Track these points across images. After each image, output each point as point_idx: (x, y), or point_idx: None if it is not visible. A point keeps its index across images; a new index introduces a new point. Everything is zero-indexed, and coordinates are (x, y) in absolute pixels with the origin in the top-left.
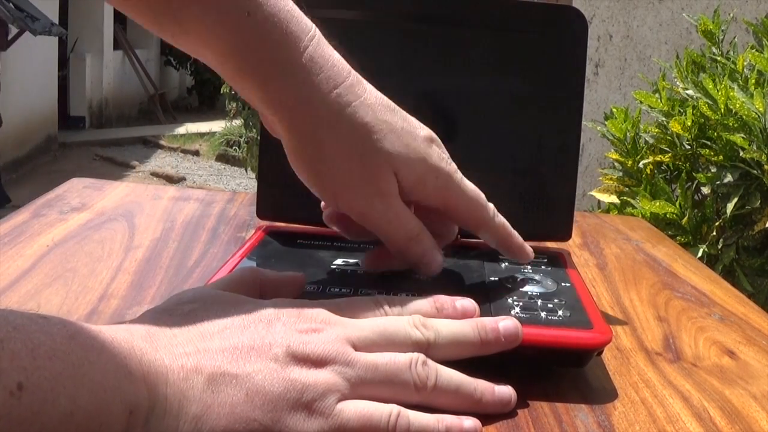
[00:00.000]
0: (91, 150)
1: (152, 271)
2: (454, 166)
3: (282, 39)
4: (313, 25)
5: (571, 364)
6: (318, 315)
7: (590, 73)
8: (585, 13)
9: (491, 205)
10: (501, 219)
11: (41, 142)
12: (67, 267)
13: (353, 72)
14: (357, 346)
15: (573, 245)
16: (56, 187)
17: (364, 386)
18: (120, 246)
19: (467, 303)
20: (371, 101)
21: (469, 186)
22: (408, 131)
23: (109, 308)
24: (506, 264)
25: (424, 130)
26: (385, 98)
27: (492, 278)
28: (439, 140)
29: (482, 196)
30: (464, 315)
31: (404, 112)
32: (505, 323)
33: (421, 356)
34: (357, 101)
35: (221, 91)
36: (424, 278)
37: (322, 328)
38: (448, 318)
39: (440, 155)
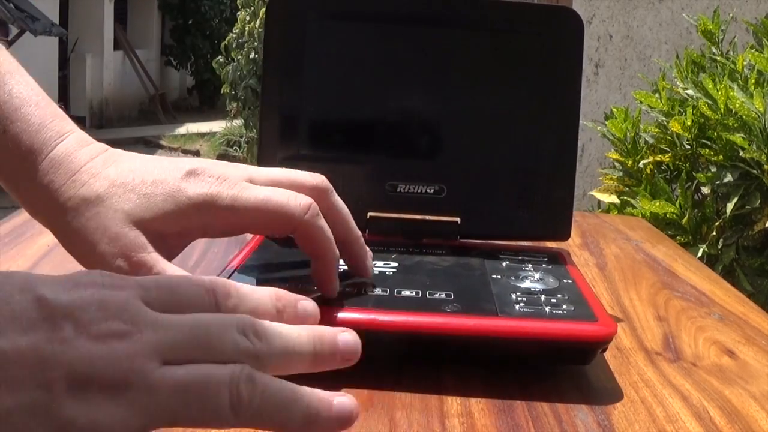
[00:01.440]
0: None
1: None
2: (219, 187)
3: (28, 148)
4: (70, 130)
5: (575, 361)
6: (126, 309)
7: (590, 73)
8: (585, 13)
9: (304, 199)
10: (322, 221)
11: None
12: (67, 267)
13: (102, 156)
14: (166, 358)
15: (573, 245)
16: None
17: (168, 414)
18: None
19: (309, 306)
20: (113, 172)
21: (253, 191)
22: (152, 180)
23: None
24: (507, 262)
25: (179, 171)
26: (139, 163)
27: (494, 276)
28: (205, 168)
29: (270, 200)
30: (304, 320)
31: (163, 164)
32: (345, 337)
33: (246, 369)
34: (92, 179)
35: (222, 92)
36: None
37: (127, 332)
38: (288, 322)
39: (201, 184)
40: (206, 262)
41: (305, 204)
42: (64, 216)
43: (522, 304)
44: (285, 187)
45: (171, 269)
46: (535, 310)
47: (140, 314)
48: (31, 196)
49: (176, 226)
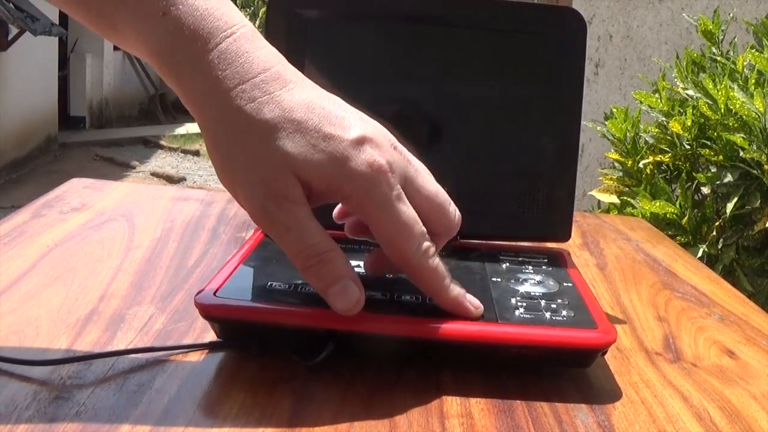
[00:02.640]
0: (91, 150)
1: (152, 271)
2: (380, 178)
3: (192, 36)
4: (240, 23)
5: (575, 365)
6: None
7: (590, 73)
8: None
9: (427, 242)
10: (434, 262)
11: (41, 143)
12: (67, 267)
13: (277, 69)
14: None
15: (573, 245)
16: (56, 188)
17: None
18: (120, 246)
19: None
20: (286, 99)
21: (402, 207)
22: (324, 132)
23: (109, 308)
24: (507, 264)
25: (355, 131)
26: (315, 97)
27: (494, 279)
28: (381, 142)
29: (415, 226)
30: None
31: (339, 112)
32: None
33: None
34: (264, 98)
35: None
36: (339, 312)
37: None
38: None
39: (368, 161)
40: (206, 261)
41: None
42: (224, 123)
43: (522, 310)
44: (435, 214)
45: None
46: (535, 316)
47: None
48: (192, 87)
49: (326, 188)
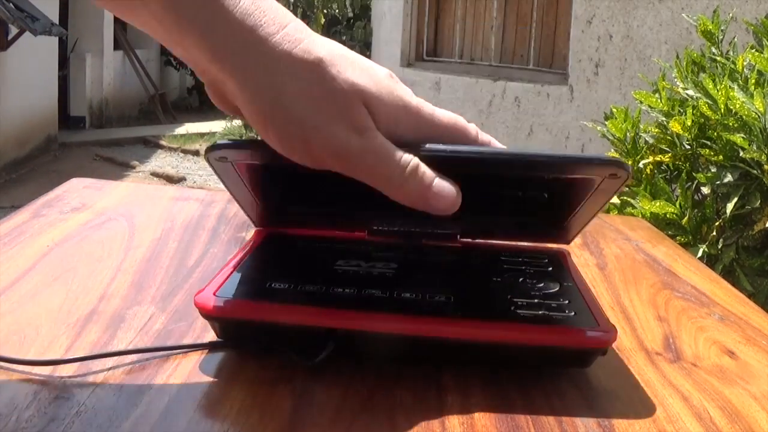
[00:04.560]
0: (91, 150)
1: (152, 271)
2: (418, 99)
3: None
4: None
5: (575, 365)
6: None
7: (590, 73)
8: (585, 13)
9: (472, 126)
10: (484, 136)
11: (41, 142)
12: (67, 267)
13: (296, 18)
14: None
15: (573, 245)
16: (56, 187)
17: None
18: (120, 246)
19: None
20: (320, 39)
21: (442, 115)
22: (368, 64)
23: (109, 308)
24: (507, 264)
25: (382, 68)
26: (336, 43)
27: (495, 279)
28: (396, 77)
29: (458, 120)
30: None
31: (357, 54)
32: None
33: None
34: (307, 38)
35: None
36: (441, 214)
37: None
38: None
39: (405, 89)
40: (206, 261)
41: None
42: (275, 73)
43: (522, 309)
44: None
45: (396, 147)
46: (535, 316)
47: None
48: (225, 40)
49: (388, 116)
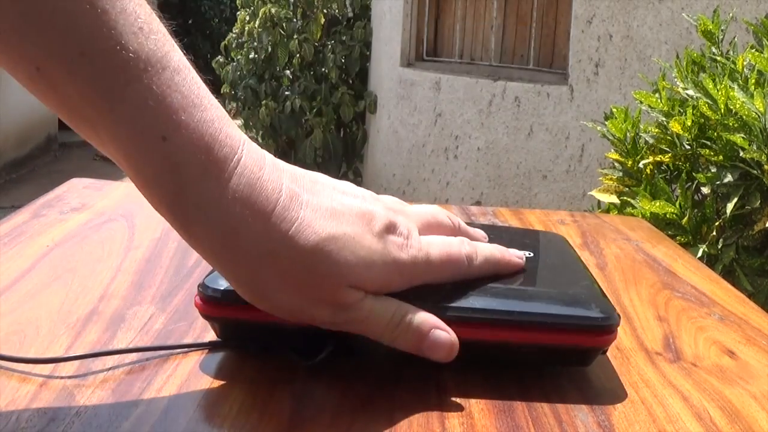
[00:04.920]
0: (91, 150)
1: (152, 271)
2: (415, 247)
3: (202, 169)
4: (240, 140)
5: (576, 363)
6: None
7: (590, 73)
8: (585, 12)
9: (463, 254)
10: (479, 263)
11: (41, 142)
12: (67, 267)
13: (284, 183)
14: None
15: (573, 245)
16: (56, 188)
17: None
18: (120, 246)
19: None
20: (311, 217)
21: (437, 255)
22: (357, 235)
23: (109, 308)
24: None
25: (378, 223)
26: (326, 202)
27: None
28: (398, 222)
29: (453, 254)
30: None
31: (349, 207)
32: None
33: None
34: (296, 224)
35: (221, 92)
36: (439, 362)
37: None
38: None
39: (399, 245)
40: (206, 262)
41: (469, 255)
42: (270, 255)
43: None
44: (434, 230)
45: (386, 302)
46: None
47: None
48: (211, 229)
49: (381, 281)
